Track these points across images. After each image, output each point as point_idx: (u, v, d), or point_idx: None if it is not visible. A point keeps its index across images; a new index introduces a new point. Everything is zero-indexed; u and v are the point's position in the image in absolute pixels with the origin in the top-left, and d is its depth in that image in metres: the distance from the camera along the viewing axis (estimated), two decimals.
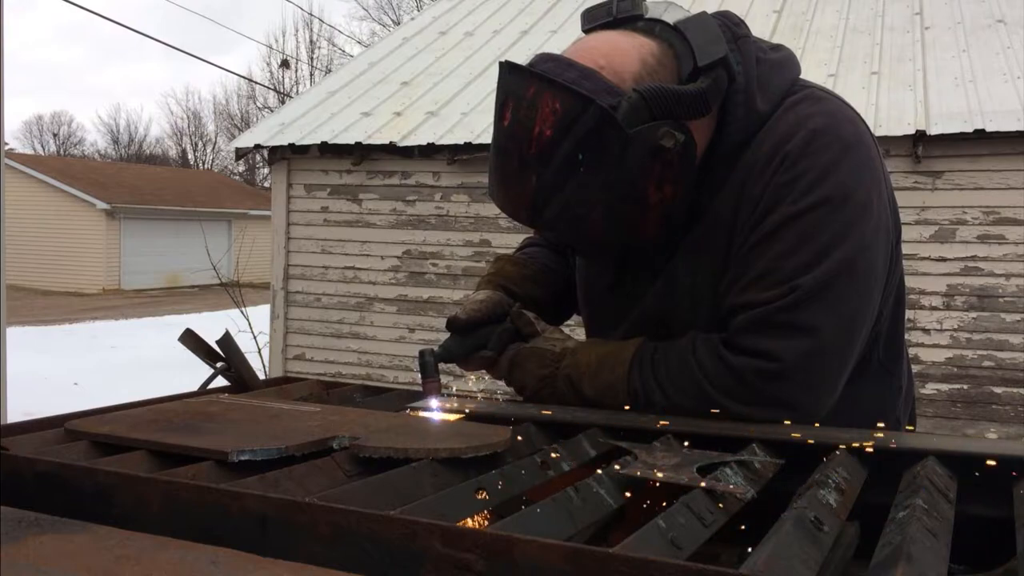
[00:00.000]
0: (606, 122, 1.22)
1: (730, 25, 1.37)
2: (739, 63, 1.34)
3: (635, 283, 1.47)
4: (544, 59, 1.30)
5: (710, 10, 1.43)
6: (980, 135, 5.44)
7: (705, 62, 1.29)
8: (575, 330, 1.61)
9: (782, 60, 1.41)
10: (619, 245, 1.35)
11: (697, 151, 1.30)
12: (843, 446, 1.08)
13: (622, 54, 1.30)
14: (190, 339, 1.49)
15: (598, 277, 1.55)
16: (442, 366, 1.44)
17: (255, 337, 8.55)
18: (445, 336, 1.52)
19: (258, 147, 7.31)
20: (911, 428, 1.56)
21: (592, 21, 1.41)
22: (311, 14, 42.82)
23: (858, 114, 1.39)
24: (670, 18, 1.35)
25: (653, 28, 1.35)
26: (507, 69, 1.30)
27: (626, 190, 1.27)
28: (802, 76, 1.43)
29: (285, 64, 38.33)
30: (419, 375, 1.41)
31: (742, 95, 1.33)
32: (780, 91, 1.36)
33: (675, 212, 1.31)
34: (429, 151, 6.73)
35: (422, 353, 1.43)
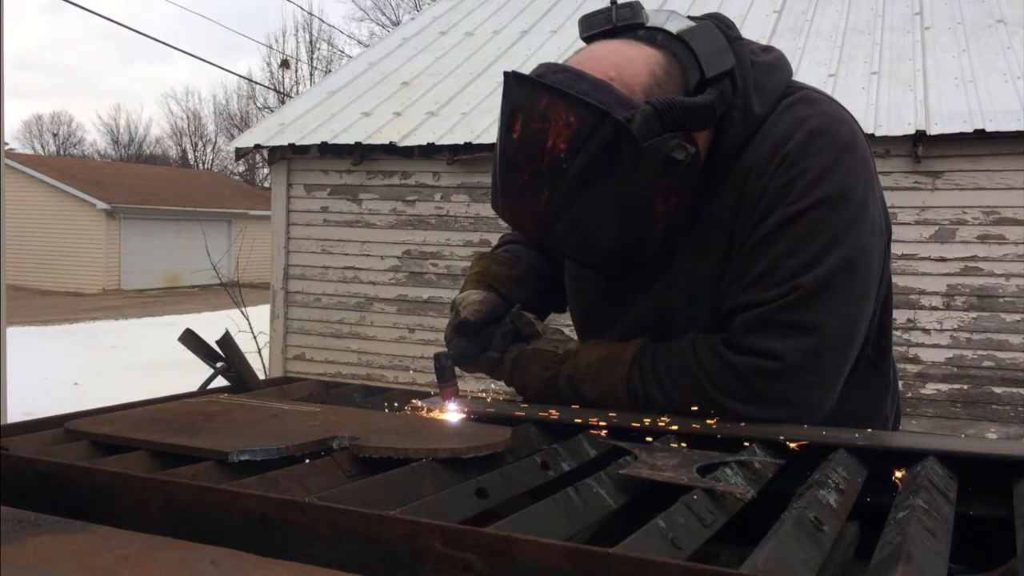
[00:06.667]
0: (621, 136, 1.20)
1: (723, 28, 1.37)
2: (737, 67, 1.34)
3: (631, 286, 1.46)
4: (552, 69, 1.28)
5: (710, 9, 1.42)
6: (980, 135, 5.43)
7: (713, 74, 1.29)
8: (574, 331, 1.61)
9: (775, 62, 1.41)
10: (623, 255, 1.34)
11: (700, 158, 1.30)
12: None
13: (631, 65, 1.29)
14: (190, 339, 1.49)
15: (591, 280, 1.54)
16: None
17: (255, 337, 8.54)
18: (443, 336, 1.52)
19: (258, 147, 7.31)
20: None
21: (591, 28, 1.40)
22: (311, 13, 42.85)
23: (851, 114, 1.40)
24: (672, 27, 1.34)
25: (655, 37, 1.34)
26: (514, 80, 1.28)
27: (637, 203, 1.26)
28: (802, 76, 1.44)
29: (285, 64, 38.31)
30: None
31: (739, 99, 1.33)
32: (775, 93, 1.37)
33: (679, 220, 1.31)
34: (429, 151, 6.73)
35: (438, 356, 1.42)
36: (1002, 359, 5.57)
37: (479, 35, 8.65)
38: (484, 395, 1.46)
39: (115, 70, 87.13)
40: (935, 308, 5.70)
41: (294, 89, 36.94)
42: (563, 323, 1.65)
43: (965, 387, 5.63)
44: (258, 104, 41.67)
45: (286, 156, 7.32)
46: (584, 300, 1.59)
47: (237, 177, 39.02)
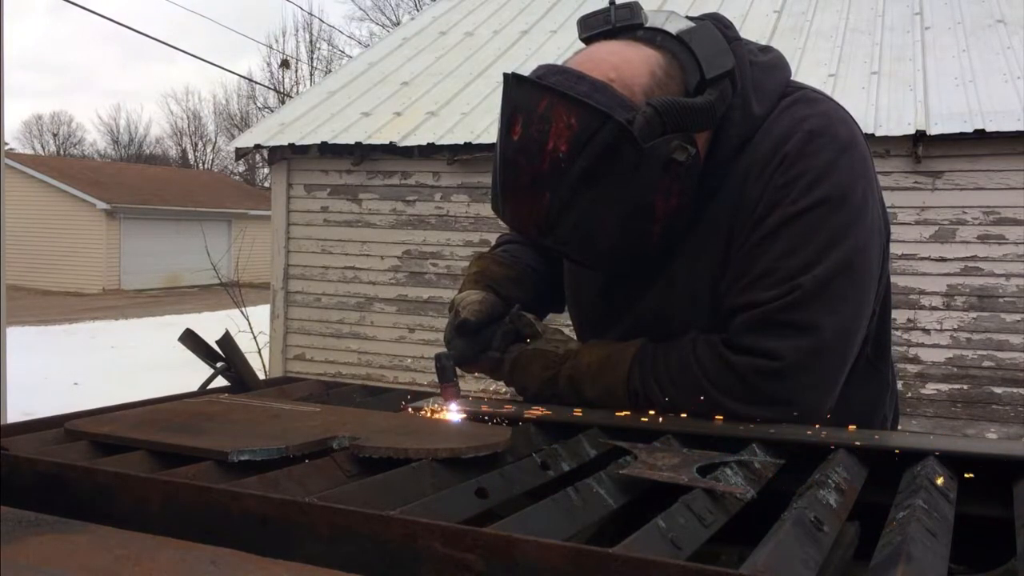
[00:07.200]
0: (623, 137, 1.20)
1: (722, 29, 1.37)
2: (736, 68, 1.33)
3: (630, 287, 1.46)
4: (552, 71, 1.28)
5: (710, 9, 1.42)
6: (980, 135, 5.44)
7: (713, 74, 1.28)
8: (573, 331, 1.61)
9: (773, 62, 1.41)
10: (623, 256, 1.34)
11: (700, 158, 1.30)
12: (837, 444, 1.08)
13: (631, 66, 1.29)
14: (190, 339, 1.49)
15: (590, 281, 1.54)
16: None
17: (255, 337, 8.54)
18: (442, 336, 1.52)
19: (258, 147, 7.31)
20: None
21: (589, 29, 1.39)
22: (311, 14, 42.85)
23: (849, 114, 1.40)
24: (672, 28, 1.34)
25: (654, 38, 1.34)
26: (514, 81, 1.27)
27: (638, 204, 1.26)
28: (802, 76, 1.44)
29: (285, 64, 38.32)
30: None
31: (739, 99, 1.33)
32: (774, 93, 1.37)
33: (679, 221, 1.31)
34: (429, 151, 6.73)
35: (438, 357, 1.42)
36: (1002, 359, 5.57)
37: (479, 35, 8.65)
38: (484, 395, 1.46)
39: (116, 70, 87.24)
40: (935, 308, 5.70)
41: (294, 89, 36.95)
42: (563, 323, 1.65)
43: (965, 387, 5.63)
44: (258, 104, 41.70)
45: (286, 156, 7.32)
46: (583, 300, 1.59)
47: (237, 177, 39.01)
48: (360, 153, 7.01)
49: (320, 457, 1.01)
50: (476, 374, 1.54)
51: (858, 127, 1.39)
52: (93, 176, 26.59)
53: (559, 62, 1.36)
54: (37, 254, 23.43)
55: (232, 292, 9.98)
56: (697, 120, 1.25)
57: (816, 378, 1.29)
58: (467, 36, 8.68)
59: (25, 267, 22.57)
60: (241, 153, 7.58)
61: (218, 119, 47.72)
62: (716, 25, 1.37)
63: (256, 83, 39.16)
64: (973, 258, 5.63)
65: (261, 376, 1.56)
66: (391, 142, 6.79)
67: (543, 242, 1.34)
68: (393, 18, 32.37)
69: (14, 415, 5.80)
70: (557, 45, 7.71)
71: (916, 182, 5.72)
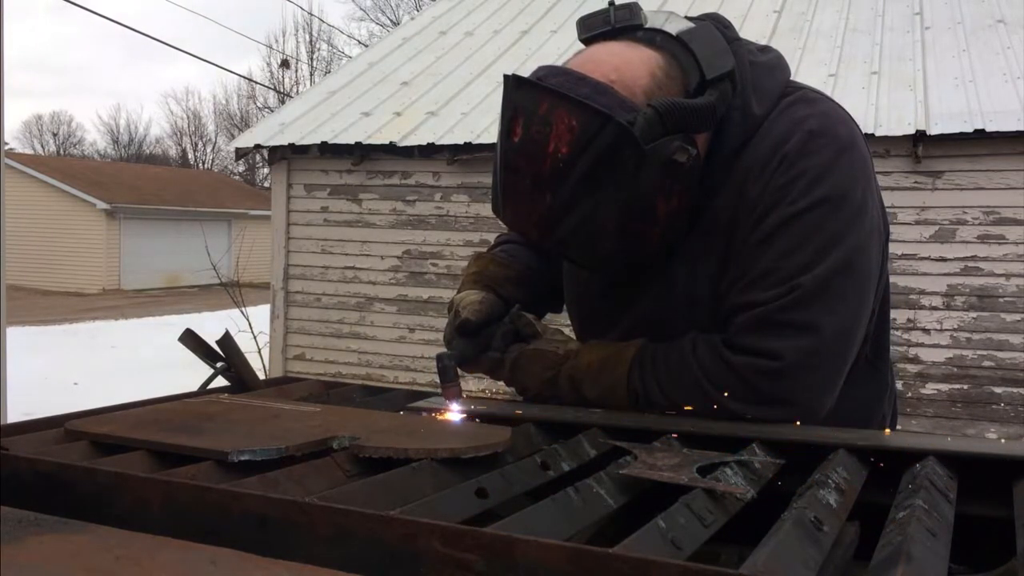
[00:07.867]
0: (624, 139, 1.20)
1: (721, 29, 1.37)
2: (736, 68, 1.33)
3: (630, 287, 1.46)
4: (553, 72, 1.28)
5: (710, 9, 1.42)
6: (980, 135, 5.43)
7: (713, 75, 1.28)
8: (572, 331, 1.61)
9: (773, 62, 1.41)
10: (624, 257, 1.34)
11: (700, 159, 1.30)
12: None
13: (631, 67, 1.29)
14: (190, 339, 1.49)
15: (590, 281, 1.54)
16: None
17: (255, 337, 8.54)
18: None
19: (258, 147, 7.31)
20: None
21: (589, 30, 1.39)
22: (311, 13, 42.83)
23: (849, 114, 1.40)
24: (671, 29, 1.34)
25: (654, 39, 1.34)
26: (514, 83, 1.27)
27: (639, 206, 1.26)
28: (802, 76, 1.44)
29: (285, 64, 38.34)
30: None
31: (739, 100, 1.33)
32: (774, 94, 1.37)
33: (679, 222, 1.31)
34: (429, 151, 6.73)
35: (440, 357, 1.42)
36: (1002, 359, 5.57)
37: (479, 35, 8.65)
38: (484, 394, 1.46)
39: (116, 70, 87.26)
40: (935, 308, 5.70)
41: (294, 89, 36.95)
42: (563, 323, 1.65)
43: (965, 387, 5.63)
44: (258, 104, 41.72)
45: (286, 156, 7.32)
46: (583, 300, 1.59)
47: (237, 177, 39.01)
48: (360, 153, 7.01)
49: (320, 457, 1.01)
50: (477, 374, 1.54)
51: (858, 127, 1.39)
52: (93, 176, 26.58)
53: (559, 62, 1.36)
54: (37, 254, 23.42)
55: (232, 292, 9.98)
56: (698, 121, 1.25)
57: (816, 378, 1.29)
58: (467, 36, 8.68)
59: (25, 267, 22.55)
60: (241, 153, 7.58)
61: (218, 119, 47.81)
62: (716, 25, 1.37)
63: (256, 83, 39.19)
64: (973, 258, 5.63)
65: (261, 376, 1.56)
66: (391, 142, 6.79)
67: (544, 244, 1.34)
68: (393, 18, 32.39)
69: (14, 415, 5.80)
70: (557, 45, 7.71)
71: (916, 182, 5.72)
